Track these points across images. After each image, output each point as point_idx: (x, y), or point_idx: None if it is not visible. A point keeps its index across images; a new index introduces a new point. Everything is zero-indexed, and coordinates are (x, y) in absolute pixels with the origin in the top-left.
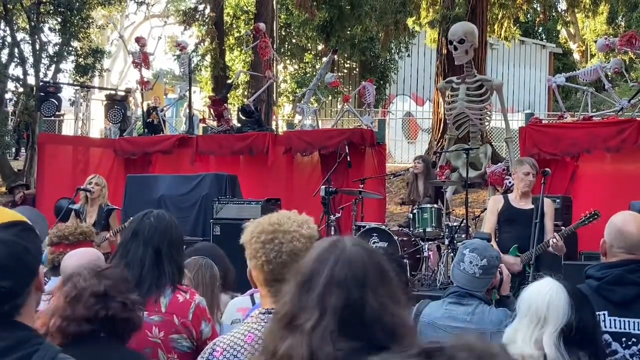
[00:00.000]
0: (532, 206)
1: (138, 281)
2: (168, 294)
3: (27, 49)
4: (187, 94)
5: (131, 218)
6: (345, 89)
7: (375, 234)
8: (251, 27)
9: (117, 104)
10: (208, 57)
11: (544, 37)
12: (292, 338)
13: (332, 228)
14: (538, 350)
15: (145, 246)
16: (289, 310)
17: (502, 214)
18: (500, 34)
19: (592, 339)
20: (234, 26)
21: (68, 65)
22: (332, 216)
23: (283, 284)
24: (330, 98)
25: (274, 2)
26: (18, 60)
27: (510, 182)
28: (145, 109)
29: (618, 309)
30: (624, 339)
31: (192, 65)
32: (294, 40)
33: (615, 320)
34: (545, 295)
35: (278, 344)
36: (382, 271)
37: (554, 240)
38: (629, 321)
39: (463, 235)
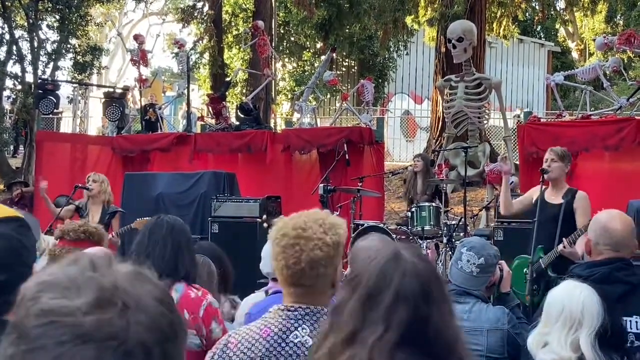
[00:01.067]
0: (562, 200)
1: (158, 274)
2: (180, 289)
3: (25, 47)
4: (186, 91)
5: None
6: (344, 87)
7: (373, 232)
8: (250, 25)
9: (115, 101)
10: (206, 55)
11: (542, 36)
12: (352, 350)
13: None
14: (574, 352)
15: (164, 240)
16: (353, 328)
17: (535, 205)
18: (499, 33)
19: (623, 341)
20: (233, 24)
21: (66, 62)
22: None
23: (303, 289)
24: (328, 96)
25: (273, 0)
26: (16, 58)
27: (509, 181)
28: (142, 106)
29: (607, 308)
30: None
31: (191, 63)
32: (292, 38)
33: None
34: (579, 298)
35: (338, 357)
36: (443, 285)
37: (562, 247)
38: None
39: (461, 234)
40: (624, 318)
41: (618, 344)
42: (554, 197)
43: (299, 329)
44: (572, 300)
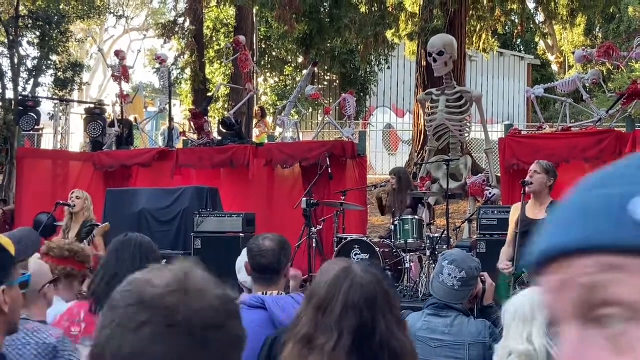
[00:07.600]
0: (545, 215)
1: None
2: None
3: (5, 63)
4: (167, 107)
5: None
6: (326, 101)
7: (356, 246)
8: (231, 40)
9: (96, 117)
10: (188, 70)
11: (522, 49)
12: (312, 356)
13: (314, 240)
14: (531, 345)
15: (132, 258)
16: (307, 332)
17: (518, 224)
18: (479, 46)
19: None
20: (214, 39)
21: (47, 79)
22: (313, 228)
23: None
24: (310, 110)
25: (254, 15)
26: None
27: (490, 193)
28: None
29: None
30: None
31: (172, 78)
32: (273, 53)
33: None
34: (527, 296)
35: None
36: (390, 297)
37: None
38: None
39: (444, 246)
40: None
41: None
42: (537, 212)
43: None
44: (522, 300)
